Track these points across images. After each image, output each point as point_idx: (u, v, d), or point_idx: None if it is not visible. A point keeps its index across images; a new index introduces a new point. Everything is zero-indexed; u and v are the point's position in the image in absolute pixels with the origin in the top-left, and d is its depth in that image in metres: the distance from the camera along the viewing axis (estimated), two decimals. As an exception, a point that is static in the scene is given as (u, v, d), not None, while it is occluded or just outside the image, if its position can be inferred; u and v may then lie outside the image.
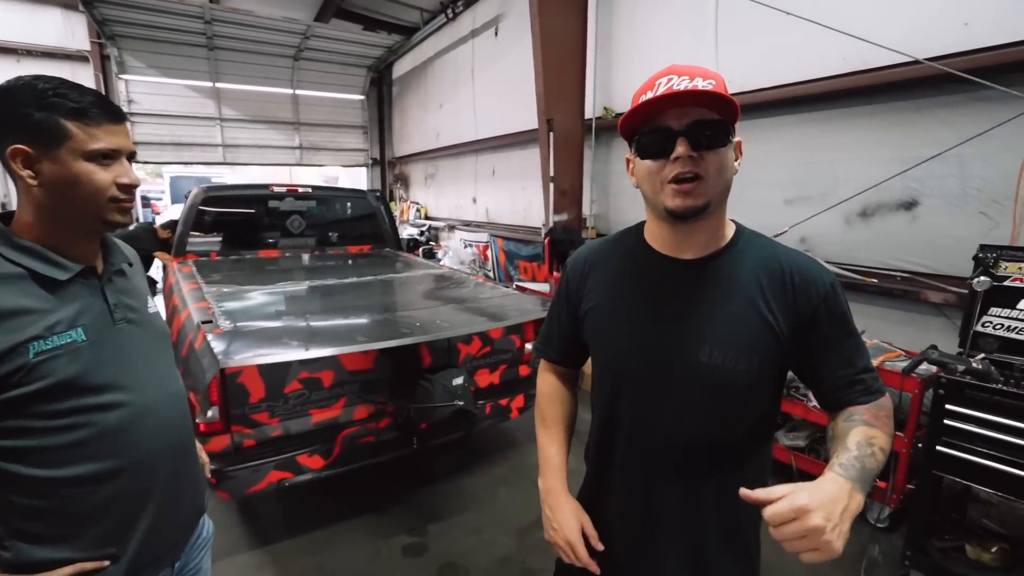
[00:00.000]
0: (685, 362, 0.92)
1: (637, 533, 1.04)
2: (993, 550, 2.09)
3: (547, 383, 1.21)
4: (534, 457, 3.35)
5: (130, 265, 1.10)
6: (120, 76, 8.43)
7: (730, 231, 0.96)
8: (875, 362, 2.47)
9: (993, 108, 2.51)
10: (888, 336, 2.81)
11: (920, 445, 2.14)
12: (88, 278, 0.97)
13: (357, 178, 11.58)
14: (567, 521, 1.05)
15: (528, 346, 3.25)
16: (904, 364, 2.36)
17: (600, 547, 1.03)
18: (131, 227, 5.82)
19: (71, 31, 8.11)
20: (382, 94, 10.97)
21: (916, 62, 2.66)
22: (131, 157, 0.98)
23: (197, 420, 2.26)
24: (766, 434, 1.02)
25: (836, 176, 3.20)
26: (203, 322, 2.33)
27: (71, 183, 0.90)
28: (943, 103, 2.73)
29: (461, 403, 2.41)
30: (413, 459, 3.08)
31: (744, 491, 0.76)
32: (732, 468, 0.96)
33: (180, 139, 9.21)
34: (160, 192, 13.73)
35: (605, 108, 5.01)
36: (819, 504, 0.71)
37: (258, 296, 3.12)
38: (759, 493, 0.74)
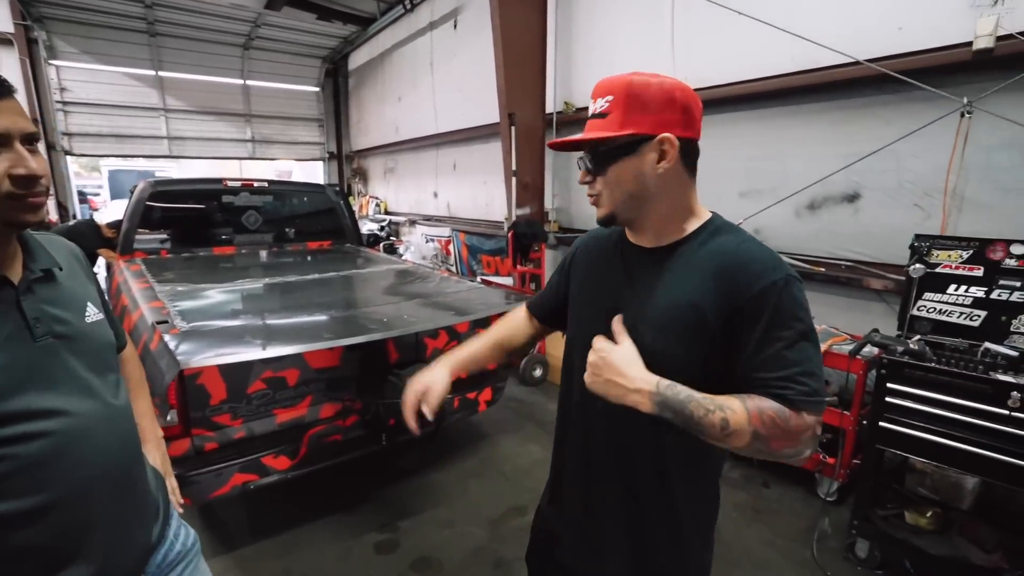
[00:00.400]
0: (636, 344, 0.98)
1: (583, 503, 1.13)
2: (928, 515, 2.27)
3: (511, 313, 1.37)
4: (504, 447, 3.41)
5: (60, 269, 0.95)
6: (50, 62, 7.89)
7: (695, 223, 1.00)
8: (823, 346, 2.62)
9: (925, 107, 2.70)
10: (834, 321, 2.98)
11: (865, 422, 2.29)
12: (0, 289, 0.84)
13: (312, 172, 11.27)
14: (414, 383, 1.25)
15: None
16: (850, 347, 2.52)
17: (414, 426, 1.22)
18: (72, 222, 5.49)
19: (-7, 13, 7.51)
20: (338, 86, 10.69)
21: (857, 63, 2.83)
22: (31, 139, 0.83)
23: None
24: None
25: (786, 170, 3.36)
26: (158, 322, 2.23)
27: None
28: (882, 102, 2.91)
29: (431, 398, 2.40)
30: (382, 456, 3.05)
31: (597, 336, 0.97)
32: (671, 449, 1.00)
33: (120, 130, 8.72)
34: (98, 187, 12.96)
35: (566, 103, 5.07)
36: (604, 355, 0.92)
37: (215, 294, 3.01)
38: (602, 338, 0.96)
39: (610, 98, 0.93)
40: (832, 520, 2.58)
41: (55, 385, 0.87)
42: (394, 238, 8.47)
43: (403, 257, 6.91)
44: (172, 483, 1.30)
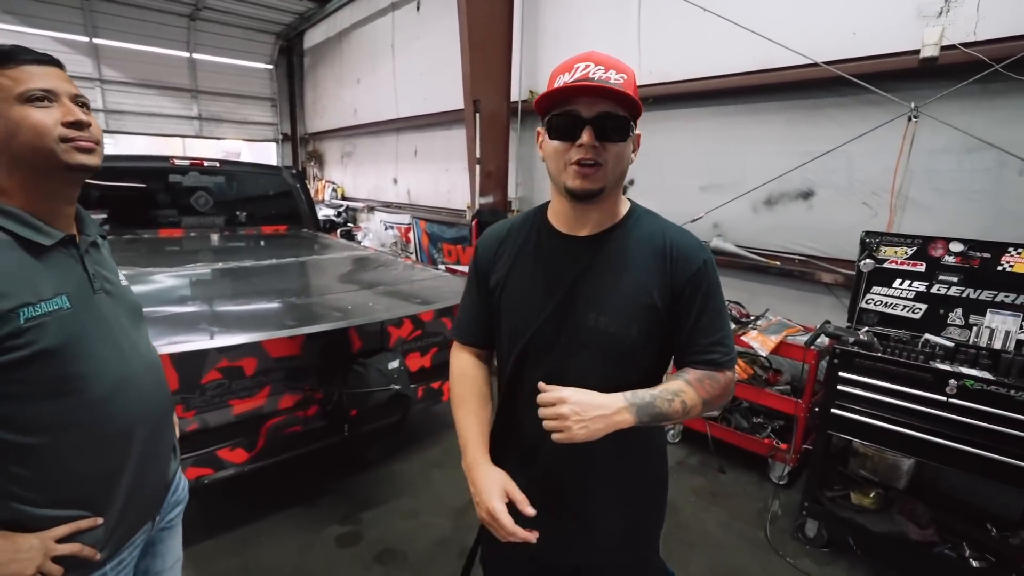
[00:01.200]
0: (576, 327, 1.04)
1: (542, 490, 1.08)
2: (871, 495, 2.42)
3: (458, 363, 1.23)
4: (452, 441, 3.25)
5: (103, 238, 1.12)
6: (-34, 22, 7.17)
7: (624, 209, 1.08)
8: (778, 337, 2.74)
9: (875, 111, 2.84)
10: (788, 313, 3.12)
11: (817, 409, 2.41)
12: (68, 247, 0.96)
13: (264, 154, 10.78)
14: (488, 491, 1.03)
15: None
16: (803, 338, 2.64)
17: (530, 511, 1.01)
18: None
19: (-102, -37, 6.74)
20: (292, 65, 10.23)
21: (814, 64, 2.93)
22: (81, 103, 0.95)
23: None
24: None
25: (745, 166, 3.46)
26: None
27: (14, 131, 0.87)
28: (836, 103, 3.04)
29: (398, 387, 2.36)
30: (344, 447, 2.98)
31: (541, 384, 0.97)
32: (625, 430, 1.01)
33: (49, 101, 8.05)
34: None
35: (531, 91, 5.04)
36: (576, 401, 0.93)
37: (163, 279, 2.85)
38: (547, 387, 0.97)
39: (625, 76, 0.95)
40: (783, 502, 2.71)
41: (111, 333, 1.00)
42: (352, 224, 8.24)
43: (362, 244, 6.75)
44: (176, 421, 1.38)
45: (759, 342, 2.76)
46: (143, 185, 4.08)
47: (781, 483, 2.82)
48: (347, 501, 2.71)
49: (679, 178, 3.78)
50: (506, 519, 1.00)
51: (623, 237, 1.04)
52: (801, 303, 3.25)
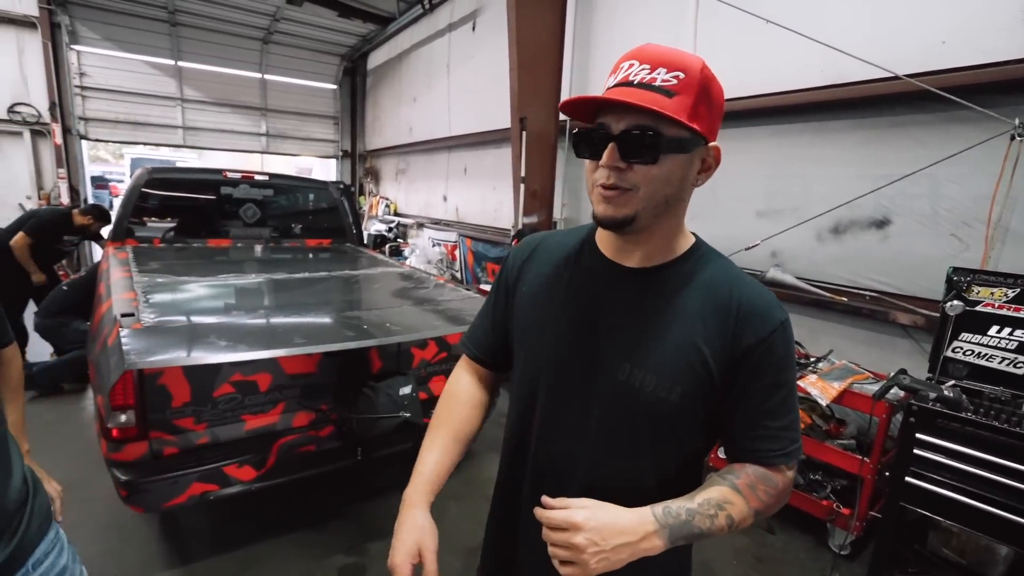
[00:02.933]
0: (602, 377, 0.84)
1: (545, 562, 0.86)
2: (955, 583, 2.02)
3: (454, 380, 1.06)
4: (486, 471, 3.13)
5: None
6: (72, 47, 7.91)
7: (685, 244, 0.86)
8: (842, 385, 2.39)
9: (967, 129, 2.47)
10: (854, 356, 2.74)
11: (887, 473, 2.05)
12: None
13: (330, 170, 11.22)
14: (402, 543, 0.90)
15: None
16: (872, 387, 2.28)
17: None
18: (40, 209, 5.43)
19: (17, -6, 7.55)
20: (355, 84, 10.64)
21: (895, 78, 2.60)
22: None
23: (108, 425, 2.01)
24: (689, 477, 0.88)
25: (809, 190, 3.14)
26: (123, 315, 2.07)
27: None
28: (918, 121, 2.69)
29: (407, 415, 2.22)
30: (356, 471, 2.87)
31: (545, 499, 0.77)
32: (628, 491, 0.83)
33: (136, 118, 8.71)
34: (121, 174, 13.07)
35: (581, 110, 4.89)
36: (593, 527, 0.73)
37: (197, 288, 2.86)
38: (553, 503, 0.77)
39: (680, 75, 0.72)
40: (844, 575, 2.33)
41: None
42: (401, 240, 8.34)
43: (408, 260, 6.77)
44: (53, 489, 1.15)
45: (819, 388, 2.41)
46: (198, 196, 4.23)
47: (842, 553, 2.43)
48: (355, 529, 2.58)
49: (734, 202, 3.48)
50: (412, 561, 0.87)
51: (679, 278, 0.83)
52: (871, 346, 2.86)
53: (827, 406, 2.60)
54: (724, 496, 0.79)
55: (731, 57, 3.52)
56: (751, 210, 3.46)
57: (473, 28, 6.59)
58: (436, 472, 0.96)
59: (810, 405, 2.65)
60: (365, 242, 5.06)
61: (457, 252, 6.68)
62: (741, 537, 2.65)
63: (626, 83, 0.74)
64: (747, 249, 3.22)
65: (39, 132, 7.71)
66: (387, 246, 7.29)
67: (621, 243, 0.86)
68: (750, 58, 3.39)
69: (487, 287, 4.79)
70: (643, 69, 0.73)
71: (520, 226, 4.71)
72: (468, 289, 3.39)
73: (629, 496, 0.80)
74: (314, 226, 4.67)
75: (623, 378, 0.81)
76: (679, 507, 0.77)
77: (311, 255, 4.21)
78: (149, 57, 8.56)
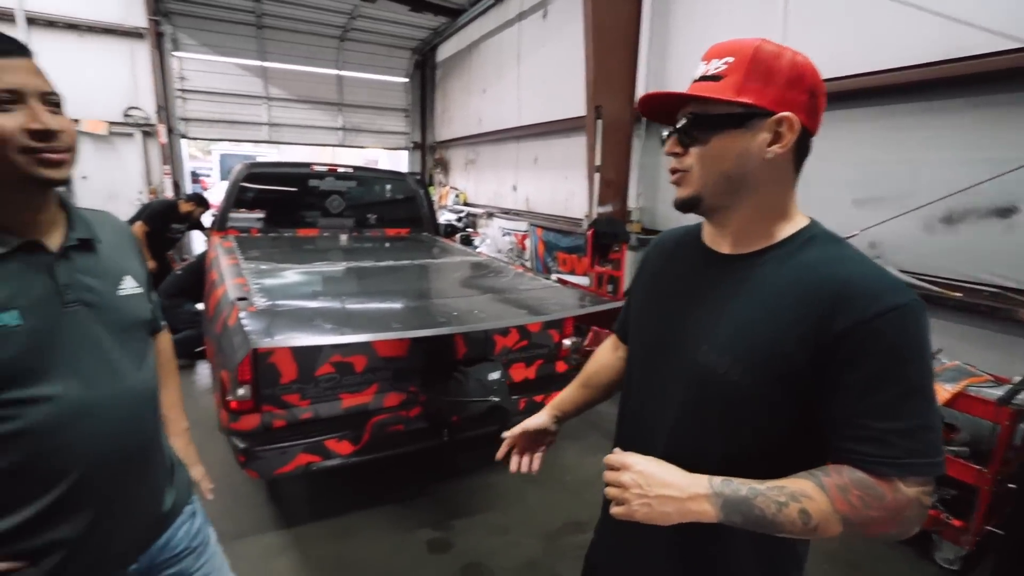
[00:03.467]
0: (683, 358, 0.86)
1: (622, 533, 0.98)
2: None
3: (599, 349, 1.25)
4: (566, 458, 3.20)
5: (99, 241, 0.97)
6: (174, 54, 8.61)
7: (789, 229, 0.82)
8: (956, 387, 2.22)
9: (1115, 105, 2.20)
10: (970, 358, 2.53)
11: (1011, 485, 1.89)
12: (33, 253, 0.86)
13: (397, 162, 11.59)
14: (521, 423, 1.17)
15: (567, 342, 3.11)
16: (994, 391, 2.11)
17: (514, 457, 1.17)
18: (150, 202, 5.99)
19: (129, 8, 8.28)
20: (425, 77, 10.89)
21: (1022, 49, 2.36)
22: (51, 100, 0.83)
23: (228, 398, 2.22)
24: (768, 471, 0.78)
25: (916, 176, 2.91)
26: (239, 299, 2.27)
27: None
28: (1052, 98, 2.42)
29: (496, 399, 2.29)
30: (441, 451, 2.99)
31: (612, 455, 0.82)
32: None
33: (228, 116, 9.37)
34: (209, 169, 14.15)
35: (657, 96, 4.77)
36: (641, 471, 0.77)
37: (294, 275, 3.07)
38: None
39: (729, 59, 0.78)
40: (951, 590, 2.19)
41: (76, 352, 0.88)
42: (471, 229, 8.50)
43: (478, 249, 6.90)
44: (196, 473, 1.28)
45: (927, 389, 2.25)
46: (289, 189, 4.52)
47: (952, 568, 2.27)
48: (440, 506, 2.71)
49: (827, 188, 3.28)
50: (503, 447, 1.19)
51: (776, 262, 0.80)
52: (990, 347, 2.62)
53: (935, 408, 2.42)
54: (802, 488, 0.71)
55: (826, 35, 3.31)
56: (846, 198, 3.25)
57: (544, 16, 6.56)
58: (563, 400, 1.21)
59: (915, 406, 2.48)
60: (439, 232, 5.20)
61: (527, 242, 6.73)
62: (833, 542, 2.54)
63: (697, 79, 0.83)
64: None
65: (148, 133, 8.46)
66: (457, 236, 7.46)
67: (715, 231, 0.89)
68: (848, 35, 3.17)
69: (566, 277, 4.82)
70: (703, 65, 0.82)
71: (594, 215, 4.68)
72: (547, 279, 3.42)
73: (698, 469, 0.79)
74: (393, 216, 4.86)
75: (700, 359, 0.82)
76: (741, 483, 0.73)
77: (393, 244, 4.39)
78: (239, 59, 9.16)
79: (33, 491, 0.85)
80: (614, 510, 0.78)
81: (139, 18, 8.32)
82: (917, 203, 2.79)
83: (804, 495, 0.70)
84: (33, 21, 7.47)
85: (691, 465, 0.79)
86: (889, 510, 0.69)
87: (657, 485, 0.75)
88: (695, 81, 0.82)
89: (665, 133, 0.87)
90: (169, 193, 8.72)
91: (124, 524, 0.98)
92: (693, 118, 0.81)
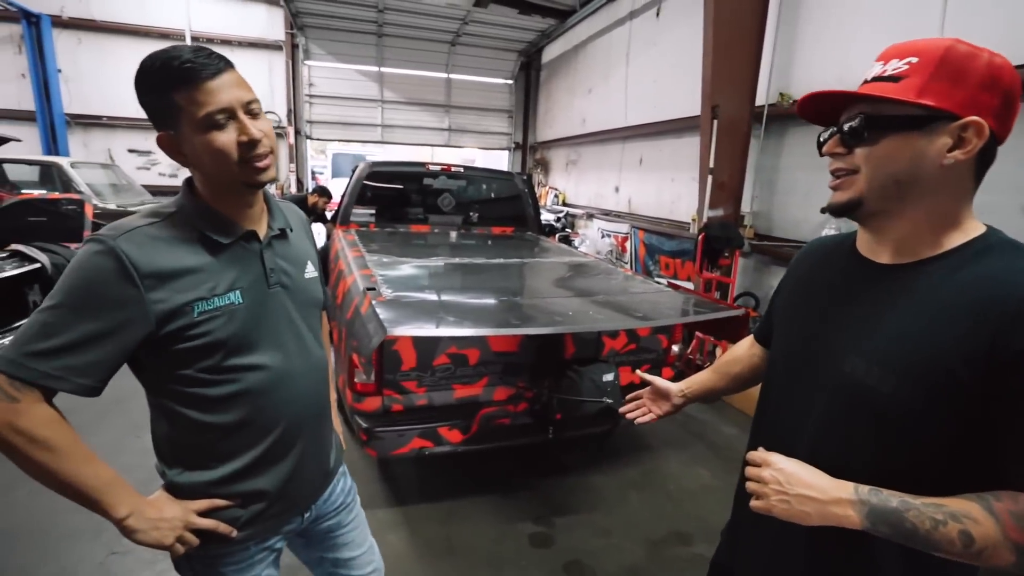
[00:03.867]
0: (830, 369, 0.83)
1: (757, 539, 0.98)
2: None
3: (737, 344, 1.26)
4: (669, 464, 3.14)
5: (291, 230, 1.11)
6: (305, 62, 9.48)
7: (961, 238, 0.76)
8: None
9: None
10: None
11: None
12: (249, 242, 1.00)
13: (493, 162, 11.87)
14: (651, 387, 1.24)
15: (675, 348, 3.02)
16: None
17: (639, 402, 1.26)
18: (290, 195, 6.63)
19: (272, 24, 9.26)
20: (529, 78, 11.07)
21: None
22: (250, 108, 0.93)
23: (356, 380, 2.41)
24: (916, 491, 0.74)
25: (1113, 182, 2.48)
26: (368, 288, 2.46)
27: (202, 156, 0.90)
28: None
29: (610, 401, 2.29)
30: (545, 448, 3.04)
31: (753, 453, 0.84)
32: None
33: (347, 119, 10.18)
34: (323, 167, 15.45)
35: (781, 94, 4.47)
36: (782, 469, 0.77)
37: (412, 268, 3.26)
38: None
39: (913, 59, 0.74)
40: None
41: (278, 327, 1.02)
42: (569, 230, 8.51)
43: (579, 250, 6.89)
44: (338, 429, 1.42)
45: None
46: (404, 187, 4.80)
47: None
48: (542, 502, 2.75)
49: (989, 194, 2.88)
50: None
51: (942, 274, 0.75)
52: None
53: None
54: (966, 510, 0.67)
55: (999, 18, 2.91)
56: (1014, 204, 2.85)
57: (657, 14, 6.40)
58: (694, 379, 1.25)
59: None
60: (543, 231, 5.26)
61: (628, 244, 6.61)
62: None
63: (870, 79, 0.78)
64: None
65: (279, 135, 9.41)
66: (556, 236, 7.50)
67: (870, 236, 0.84)
68: (1019, 25, 2.77)
69: (676, 283, 4.68)
70: (879, 66, 0.78)
71: (705, 219, 4.49)
72: (658, 283, 3.34)
73: (854, 461, 0.79)
74: (499, 214, 4.99)
75: (848, 370, 0.79)
76: (892, 493, 0.71)
77: (500, 242, 4.51)
78: (359, 66, 9.90)
79: (251, 442, 1.01)
80: (753, 504, 0.79)
81: (279, 32, 9.28)
82: (1114, 213, 2.38)
83: (968, 516, 0.66)
84: (196, 39, 8.59)
85: (833, 476, 0.78)
86: None
87: (798, 484, 0.75)
88: (867, 82, 0.78)
89: (826, 134, 0.83)
90: (293, 188, 9.64)
91: (307, 475, 1.13)
92: (864, 118, 0.76)
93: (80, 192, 5.96)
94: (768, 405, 1.00)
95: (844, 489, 0.73)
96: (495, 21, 9.06)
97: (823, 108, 0.83)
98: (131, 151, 9.01)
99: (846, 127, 0.78)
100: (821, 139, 0.84)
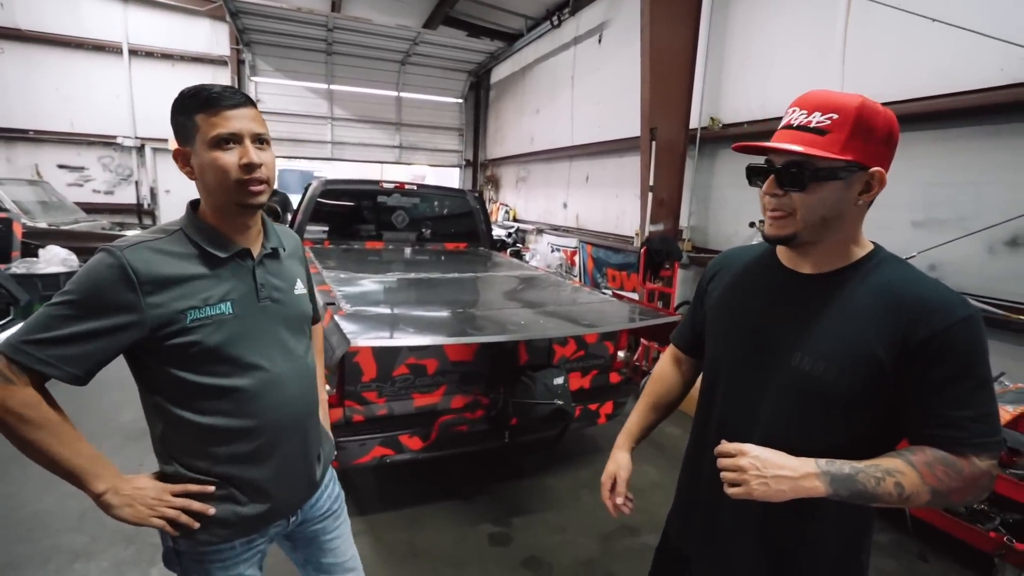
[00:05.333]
0: (779, 364, 0.97)
1: (716, 529, 1.10)
2: None
3: (660, 364, 1.36)
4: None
5: (284, 250, 1.21)
6: (252, 78, 9.34)
7: (861, 252, 0.96)
8: (1019, 409, 2.23)
9: None
10: (1035, 380, 2.52)
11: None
12: (244, 259, 1.10)
13: (443, 178, 12.02)
14: (607, 470, 1.25)
15: (621, 354, 3.24)
16: (1058, 412, 2.11)
17: (617, 501, 1.21)
18: None
19: (216, 39, 9.10)
20: (479, 98, 11.33)
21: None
22: (259, 140, 1.04)
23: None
24: (861, 458, 0.92)
25: (980, 199, 2.91)
26: (328, 303, 2.54)
27: (206, 170, 1.02)
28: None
29: (560, 403, 2.46)
30: (501, 453, 3.17)
31: (721, 445, 0.92)
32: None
33: (296, 136, 10.05)
34: (271, 184, 15.08)
35: (712, 118, 4.88)
36: (757, 455, 0.87)
37: (369, 284, 3.34)
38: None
39: (834, 116, 0.88)
40: (1015, 615, 2.17)
41: (265, 337, 1.12)
42: (520, 245, 8.73)
43: (530, 264, 7.10)
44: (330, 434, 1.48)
45: (989, 411, 2.26)
46: (358, 204, 4.87)
47: (1013, 591, 2.25)
48: (500, 504, 2.87)
49: (885, 211, 3.30)
50: (604, 491, 1.23)
51: (853, 281, 0.94)
52: (1057, 370, 2.60)
53: (998, 431, 2.41)
54: (895, 465, 0.85)
55: (889, 60, 3.37)
56: (906, 220, 3.27)
57: (599, 41, 6.79)
58: (635, 426, 1.30)
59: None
60: (495, 246, 5.43)
61: (577, 258, 6.89)
62: (888, 559, 2.55)
63: (788, 127, 0.92)
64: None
65: (225, 150, 9.18)
66: (507, 251, 7.70)
67: (796, 255, 1.01)
68: (912, 60, 3.23)
69: (620, 293, 4.94)
70: (802, 114, 0.90)
71: (647, 234, 4.81)
72: (603, 293, 3.57)
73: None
74: (453, 231, 5.13)
75: (796, 364, 0.95)
76: (844, 463, 0.86)
77: (453, 257, 4.64)
78: (308, 83, 9.84)
79: (237, 443, 1.09)
80: (731, 491, 0.88)
81: (224, 48, 9.12)
82: (979, 225, 2.80)
83: (897, 471, 0.84)
84: (135, 52, 8.33)
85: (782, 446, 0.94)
86: (967, 481, 0.84)
87: (772, 467, 0.86)
88: (792, 128, 0.91)
89: (759, 169, 0.96)
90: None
91: (294, 478, 1.20)
92: (798, 167, 0.89)
93: (6, 210, 5.65)
94: (714, 401, 1.11)
95: (809, 465, 0.86)
96: (445, 43, 9.27)
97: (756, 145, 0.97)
98: (61, 167, 8.56)
99: (784, 174, 0.91)
100: (750, 170, 0.98)
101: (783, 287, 1.02)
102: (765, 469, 0.86)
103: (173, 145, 1.07)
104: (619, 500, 1.21)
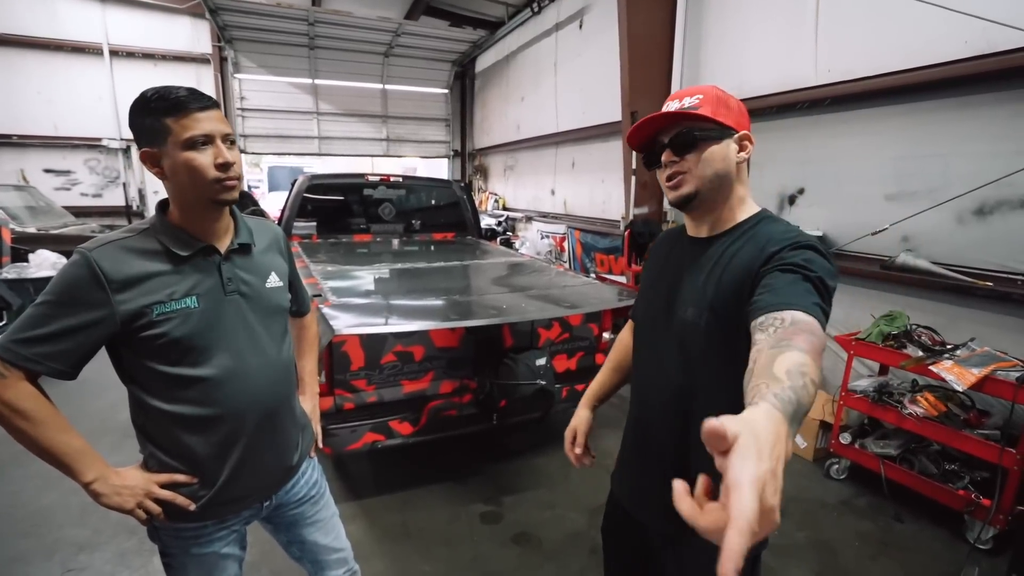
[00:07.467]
0: (674, 319, 1.11)
1: (640, 459, 1.25)
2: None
3: (622, 332, 1.49)
4: (606, 442, 3.51)
5: (254, 245, 1.24)
6: (235, 76, 9.28)
7: (747, 213, 1.10)
8: (984, 371, 2.32)
9: None
10: (1002, 344, 2.60)
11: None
12: (209, 255, 1.14)
13: (434, 169, 12.01)
14: (569, 426, 1.41)
15: (606, 335, 3.32)
16: (1019, 374, 2.20)
17: (577, 452, 1.37)
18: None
19: (197, 37, 9.02)
20: (464, 87, 11.29)
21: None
22: (228, 139, 1.09)
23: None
24: (728, 383, 0.95)
25: (948, 170, 2.98)
26: (314, 295, 2.60)
27: (180, 171, 1.06)
28: (1083, 91, 2.47)
29: (543, 383, 2.53)
30: (491, 435, 3.25)
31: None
32: (702, 408, 0.98)
33: (282, 132, 10.00)
34: (259, 181, 15.06)
35: (692, 100, 4.91)
36: (764, 473, 0.60)
37: (356, 276, 3.41)
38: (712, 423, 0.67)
39: (700, 96, 1.05)
40: (984, 570, 2.27)
41: (233, 329, 1.17)
42: (510, 233, 8.78)
43: (519, 252, 7.16)
44: (316, 430, 1.54)
45: (955, 374, 2.35)
46: (345, 198, 4.90)
47: (982, 547, 2.36)
48: (491, 484, 2.96)
49: (859, 186, 3.38)
50: (571, 436, 1.41)
51: (733, 239, 1.07)
52: (1021, 333, 2.68)
53: (965, 394, 2.51)
54: (799, 361, 0.73)
55: (858, 36, 3.41)
56: (879, 194, 3.33)
57: (580, 26, 6.78)
58: (598, 386, 1.46)
59: (944, 393, 2.57)
60: (483, 235, 5.48)
61: (565, 243, 6.95)
62: (865, 521, 2.65)
63: (660, 113, 1.07)
64: (873, 234, 3.14)
65: (211, 149, 9.15)
66: (498, 239, 7.74)
67: (695, 223, 1.15)
68: (880, 36, 3.27)
69: (604, 276, 5.01)
70: (676, 102, 1.07)
71: (631, 217, 4.86)
72: (587, 277, 3.64)
73: (689, 398, 1.08)
74: (440, 221, 5.18)
75: (687, 316, 1.07)
76: (784, 390, 0.69)
77: (441, 247, 4.70)
78: (292, 78, 9.77)
79: (206, 431, 1.15)
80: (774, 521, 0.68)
81: (205, 45, 9.05)
82: (948, 196, 2.87)
83: (803, 365, 0.72)
84: (115, 53, 8.26)
85: (691, 399, 1.08)
86: (818, 335, 0.79)
87: (776, 461, 0.67)
88: (672, 112, 1.06)
89: (656, 152, 1.07)
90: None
91: (264, 466, 1.25)
92: (687, 132, 1.03)
93: (-6, 216, 5.65)
94: (639, 362, 1.26)
95: (774, 418, 0.68)
96: (427, 33, 9.22)
97: (644, 134, 1.09)
98: (47, 171, 8.53)
99: (677, 143, 1.04)
100: (646, 159, 1.11)
101: (685, 251, 1.16)
102: (778, 471, 0.64)
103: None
104: (578, 451, 1.36)
